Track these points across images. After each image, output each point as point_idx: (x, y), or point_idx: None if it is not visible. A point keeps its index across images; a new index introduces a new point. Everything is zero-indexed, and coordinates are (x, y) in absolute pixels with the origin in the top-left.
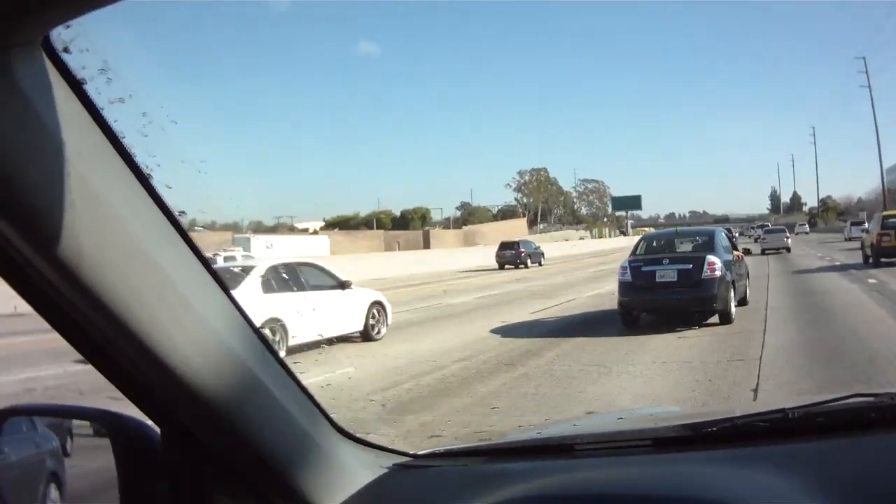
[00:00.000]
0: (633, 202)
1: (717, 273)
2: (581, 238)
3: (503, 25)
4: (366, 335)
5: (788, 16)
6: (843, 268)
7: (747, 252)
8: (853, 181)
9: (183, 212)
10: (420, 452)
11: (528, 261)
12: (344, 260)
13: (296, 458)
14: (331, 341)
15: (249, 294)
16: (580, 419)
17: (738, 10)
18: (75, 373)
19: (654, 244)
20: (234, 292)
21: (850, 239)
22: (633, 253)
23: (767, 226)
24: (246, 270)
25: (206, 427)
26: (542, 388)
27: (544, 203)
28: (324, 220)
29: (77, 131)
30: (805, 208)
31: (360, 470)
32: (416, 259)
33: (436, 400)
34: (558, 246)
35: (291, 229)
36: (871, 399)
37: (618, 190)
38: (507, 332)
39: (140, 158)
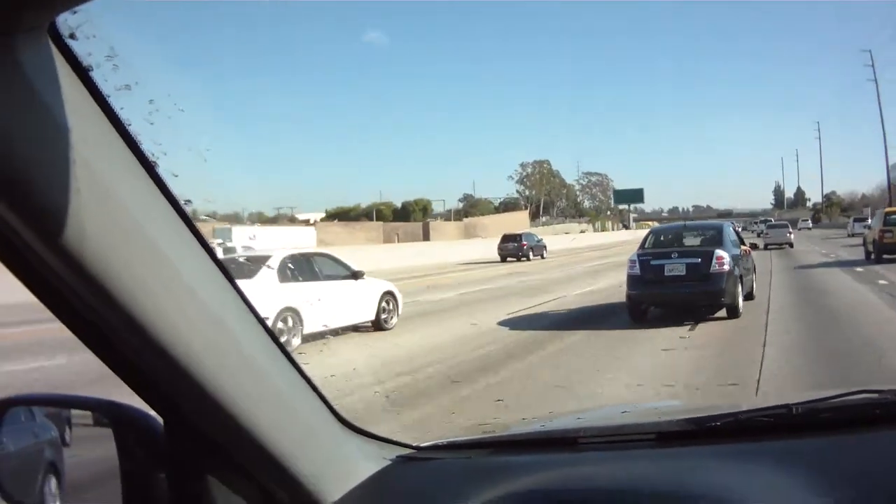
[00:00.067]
0: (636, 195)
1: (726, 267)
2: (582, 231)
3: (507, 21)
4: (377, 325)
5: (793, 10)
6: (844, 264)
7: (754, 247)
8: (858, 177)
9: (188, 200)
10: (423, 444)
11: (531, 253)
12: (339, 252)
13: (298, 449)
14: (343, 331)
15: (266, 283)
16: (584, 412)
17: (743, 4)
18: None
19: (663, 238)
20: (250, 281)
21: (852, 235)
22: (642, 246)
23: (770, 221)
24: (262, 260)
25: (209, 418)
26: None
27: (547, 196)
28: (325, 212)
29: (83, 118)
30: (809, 204)
31: (363, 462)
32: (415, 251)
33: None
34: (558, 239)
35: (292, 220)
36: (875, 395)
37: (621, 184)
38: (462, 341)
39: (146, 146)
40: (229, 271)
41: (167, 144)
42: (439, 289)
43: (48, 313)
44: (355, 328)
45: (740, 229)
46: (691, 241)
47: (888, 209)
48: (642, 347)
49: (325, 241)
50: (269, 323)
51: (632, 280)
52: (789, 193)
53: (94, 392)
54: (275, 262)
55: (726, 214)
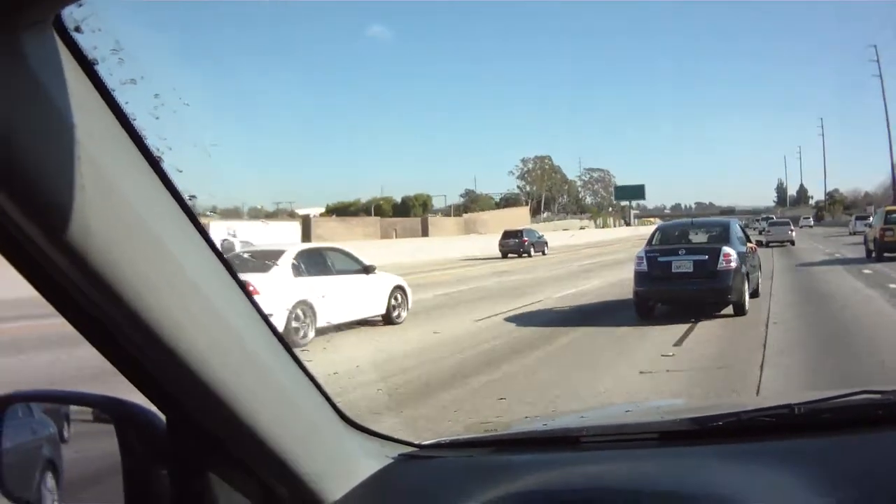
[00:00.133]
0: (637, 192)
1: (733, 264)
2: (582, 228)
3: (510, 18)
4: (387, 319)
5: (795, 8)
6: (845, 262)
7: (760, 244)
8: (862, 175)
9: (193, 196)
10: (425, 443)
11: (532, 250)
12: None
13: (301, 447)
14: (353, 325)
15: (280, 277)
16: (587, 411)
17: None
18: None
19: (670, 234)
20: (265, 275)
21: (854, 233)
22: (649, 243)
23: (772, 218)
24: (277, 255)
25: (212, 415)
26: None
27: (548, 192)
28: (326, 207)
29: (88, 112)
30: (812, 201)
31: (365, 460)
32: (412, 247)
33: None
34: (557, 236)
35: (291, 215)
36: (877, 396)
37: (624, 180)
38: (406, 354)
39: (151, 141)
40: (233, 267)
41: (172, 139)
42: (418, 289)
43: (49, 308)
44: (366, 322)
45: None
46: (698, 237)
47: (889, 207)
48: (616, 370)
49: (322, 237)
50: (284, 316)
51: (639, 276)
52: (792, 191)
53: (95, 388)
54: (288, 258)
55: (729, 212)
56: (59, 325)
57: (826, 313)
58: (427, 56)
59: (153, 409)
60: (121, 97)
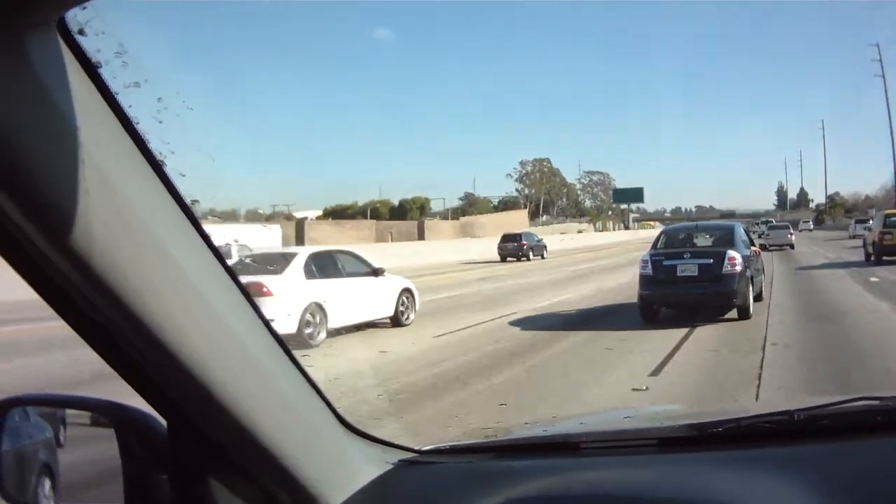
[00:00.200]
0: (635, 195)
1: (738, 268)
2: (579, 231)
3: (509, 20)
4: (396, 321)
5: (796, 10)
6: (844, 265)
7: (764, 248)
8: (862, 178)
9: (196, 200)
10: (425, 448)
11: (531, 253)
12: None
13: (301, 452)
14: (363, 326)
15: (293, 279)
16: (587, 416)
17: (747, 4)
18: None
19: (675, 238)
20: (279, 277)
21: (854, 237)
22: (654, 246)
23: (772, 222)
24: (290, 257)
25: (213, 420)
26: None
27: (547, 195)
28: (324, 210)
29: (91, 116)
30: (812, 205)
31: (365, 465)
32: (406, 251)
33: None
34: (552, 240)
35: (288, 218)
36: (876, 402)
37: (624, 183)
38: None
39: (154, 145)
40: (235, 272)
41: (175, 143)
42: None
43: (49, 311)
44: (374, 324)
45: None
46: (703, 241)
47: (888, 211)
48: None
49: (315, 240)
50: (297, 318)
51: (644, 280)
52: (792, 194)
53: (94, 392)
54: (300, 260)
55: (729, 215)
56: (58, 327)
57: (827, 327)
58: (428, 58)
59: (154, 413)
60: (124, 100)
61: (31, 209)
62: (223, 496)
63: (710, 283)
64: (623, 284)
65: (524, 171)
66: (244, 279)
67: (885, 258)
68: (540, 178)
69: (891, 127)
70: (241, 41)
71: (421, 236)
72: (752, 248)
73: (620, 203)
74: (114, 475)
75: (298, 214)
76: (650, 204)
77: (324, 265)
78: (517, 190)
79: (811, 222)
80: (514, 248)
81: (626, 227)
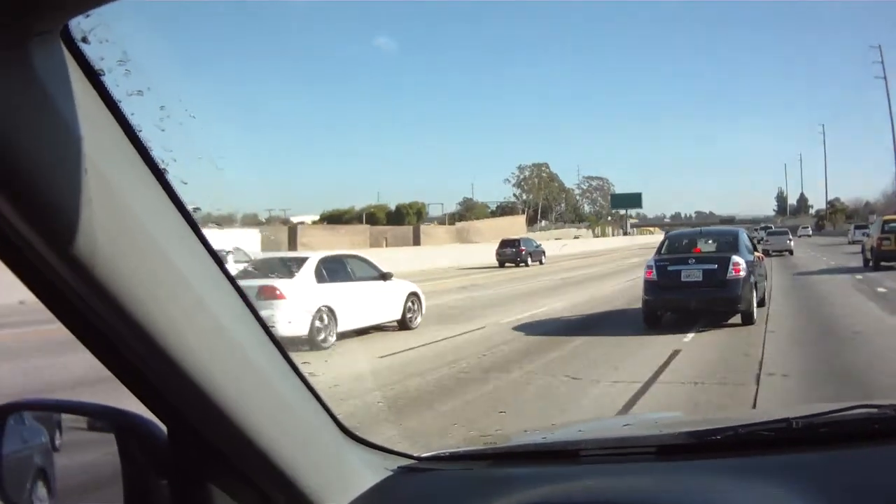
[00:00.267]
0: (633, 200)
1: (742, 274)
2: (576, 237)
3: (509, 24)
4: (403, 324)
5: (796, 12)
6: (843, 271)
7: (766, 254)
8: (863, 184)
9: (198, 208)
10: (424, 455)
11: (529, 259)
12: None
13: (301, 458)
14: (371, 329)
15: (305, 283)
16: (586, 423)
17: (747, 5)
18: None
19: (679, 244)
20: (290, 281)
21: (853, 242)
22: (658, 252)
23: (771, 227)
24: (300, 262)
25: (213, 426)
26: None
27: (545, 200)
28: (321, 214)
29: (94, 123)
30: (812, 210)
31: (365, 472)
32: (401, 256)
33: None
34: (548, 246)
35: (285, 223)
36: (874, 410)
37: (623, 189)
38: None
39: (156, 153)
40: (235, 279)
41: (177, 151)
42: None
43: (47, 314)
44: (380, 328)
45: None
46: (707, 247)
47: (886, 217)
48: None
49: (308, 245)
50: (308, 321)
51: (648, 285)
52: (792, 200)
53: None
54: (311, 264)
55: (729, 221)
56: (56, 329)
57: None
58: (427, 64)
59: (154, 419)
60: (127, 108)
61: (33, 216)
62: (223, 502)
63: (715, 288)
64: (608, 294)
65: (522, 176)
66: (257, 282)
67: (882, 263)
68: (538, 183)
69: (892, 130)
70: (241, 46)
71: (416, 241)
72: (756, 253)
73: (619, 208)
74: (112, 479)
75: (295, 219)
76: (649, 209)
77: (334, 269)
78: (515, 195)
79: (810, 228)
80: (512, 254)
81: (625, 233)
